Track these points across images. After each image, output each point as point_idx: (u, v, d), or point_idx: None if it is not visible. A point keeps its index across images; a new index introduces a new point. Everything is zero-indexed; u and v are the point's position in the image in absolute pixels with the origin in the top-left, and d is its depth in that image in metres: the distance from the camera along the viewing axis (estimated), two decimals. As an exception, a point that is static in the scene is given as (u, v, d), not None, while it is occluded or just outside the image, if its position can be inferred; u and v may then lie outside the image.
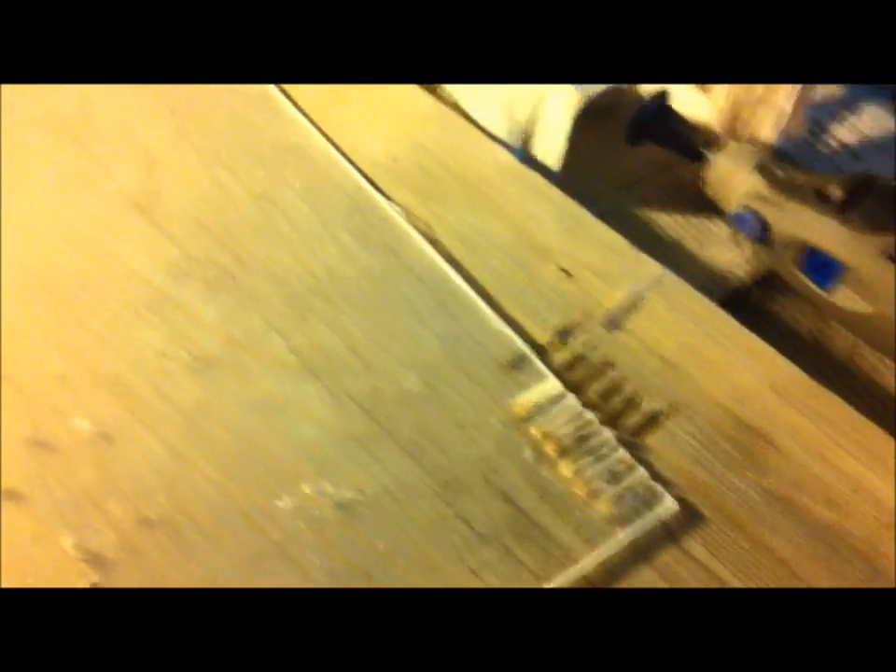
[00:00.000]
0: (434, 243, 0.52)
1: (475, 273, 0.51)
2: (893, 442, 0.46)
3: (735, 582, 0.40)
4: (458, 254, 0.52)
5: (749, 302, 0.57)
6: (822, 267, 0.52)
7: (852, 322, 0.52)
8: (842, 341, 0.55)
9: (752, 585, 0.40)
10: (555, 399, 0.45)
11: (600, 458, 0.43)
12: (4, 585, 0.36)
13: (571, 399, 0.45)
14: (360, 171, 0.56)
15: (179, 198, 0.52)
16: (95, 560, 0.37)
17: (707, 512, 0.42)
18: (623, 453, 0.43)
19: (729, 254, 0.58)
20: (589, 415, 0.45)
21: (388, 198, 0.54)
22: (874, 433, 0.46)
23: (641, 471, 0.43)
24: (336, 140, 0.57)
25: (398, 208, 0.54)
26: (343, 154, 0.56)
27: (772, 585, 0.40)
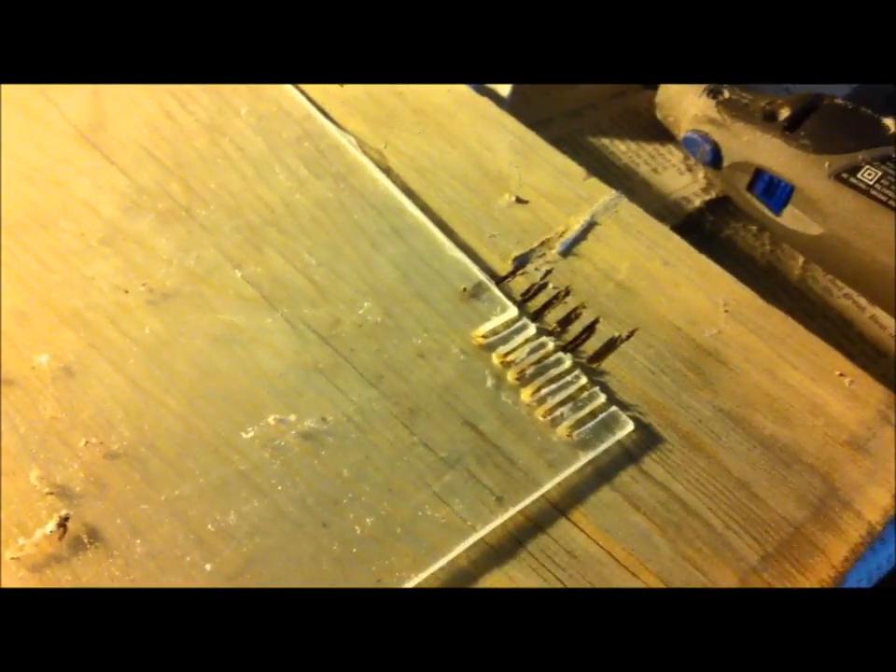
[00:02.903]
0: (387, 171, 0.52)
1: (429, 201, 0.51)
2: (845, 361, 0.47)
3: (695, 502, 0.41)
4: (412, 182, 0.52)
5: (703, 227, 0.57)
6: (773, 190, 0.52)
7: (803, 244, 0.53)
8: (793, 263, 0.56)
9: (711, 504, 0.41)
10: (515, 327, 0.45)
11: (561, 384, 0.44)
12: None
13: (531, 327, 0.45)
14: (309, 98, 0.55)
15: (126, 126, 0.51)
16: (63, 493, 0.37)
17: (664, 433, 0.43)
18: (582, 378, 0.44)
19: (682, 179, 0.59)
20: (549, 342, 0.45)
21: (339, 126, 0.54)
22: (825, 352, 0.47)
23: (600, 396, 0.43)
24: (284, 67, 0.56)
25: (349, 136, 0.53)
26: (292, 81, 0.56)
27: (730, 503, 0.41)
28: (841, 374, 0.46)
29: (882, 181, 0.49)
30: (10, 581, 0.35)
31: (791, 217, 0.52)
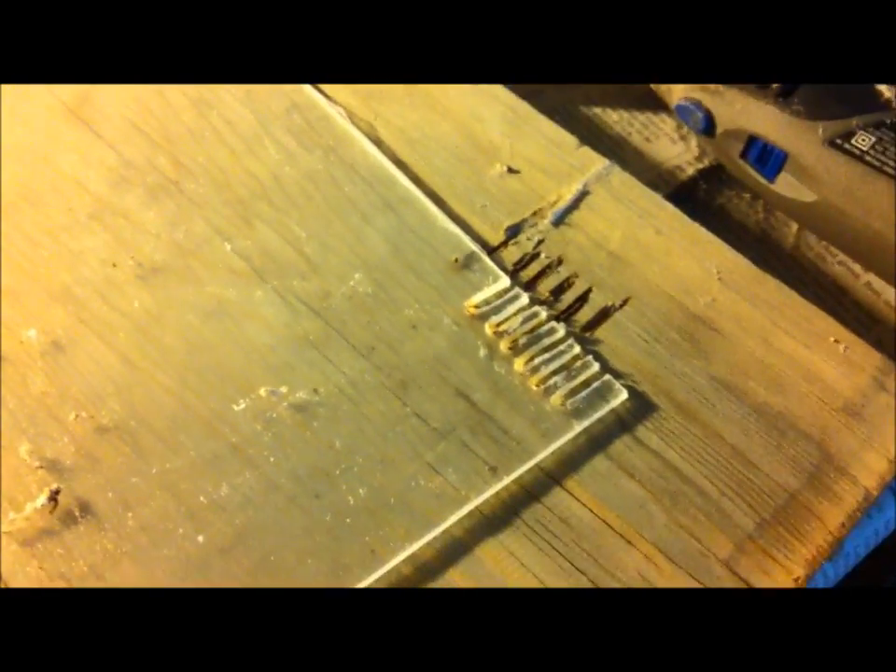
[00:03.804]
0: (377, 142, 0.51)
1: (420, 172, 0.50)
2: (839, 327, 0.47)
3: (690, 470, 0.41)
4: (402, 154, 0.51)
5: (696, 196, 0.57)
6: (767, 157, 0.52)
7: (797, 211, 0.52)
8: (787, 230, 0.56)
9: (706, 472, 0.41)
10: (507, 297, 0.45)
11: (553, 354, 0.43)
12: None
13: (523, 297, 0.45)
14: (299, 71, 0.54)
15: (112, 100, 0.51)
16: (53, 467, 0.37)
17: (658, 402, 0.43)
18: (575, 347, 0.44)
19: (675, 148, 0.58)
20: (541, 312, 0.45)
21: (328, 98, 0.53)
22: (819, 319, 0.47)
23: (594, 365, 0.43)
24: (272, 39, 0.56)
25: (339, 108, 0.52)
26: (281, 53, 0.55)
27: (725, 471, 0.41)
28: (835, 341, 0.46)
29: (876, 147, 0.48)
30: (2, 555, 0.34)
31: (785, 185, 0.51)
